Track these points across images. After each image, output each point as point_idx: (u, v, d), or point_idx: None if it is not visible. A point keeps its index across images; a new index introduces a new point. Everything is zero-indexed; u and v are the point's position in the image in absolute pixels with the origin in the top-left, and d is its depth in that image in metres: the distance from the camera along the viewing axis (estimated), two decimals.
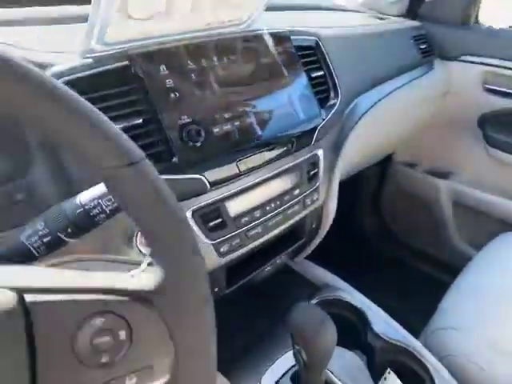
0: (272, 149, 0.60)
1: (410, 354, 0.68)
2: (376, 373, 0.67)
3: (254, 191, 0.59)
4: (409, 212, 1.36)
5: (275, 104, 0.60)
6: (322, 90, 0.71)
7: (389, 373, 0.67)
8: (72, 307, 0.25)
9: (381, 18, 1.12)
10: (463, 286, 0.84)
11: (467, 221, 1.22)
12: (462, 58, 1.11)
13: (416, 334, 0.74)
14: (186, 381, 0.29)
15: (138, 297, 0.26)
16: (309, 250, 0.82)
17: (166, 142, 0.48)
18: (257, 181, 0.59)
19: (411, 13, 1.18)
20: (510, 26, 1.14)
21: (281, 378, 0.62)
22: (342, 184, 0.79)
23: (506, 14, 1.11)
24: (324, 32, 0.76)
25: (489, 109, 1.12)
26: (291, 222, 0.66)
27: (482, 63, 1.09)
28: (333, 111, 0.71)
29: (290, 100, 0.62)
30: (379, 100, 0.87)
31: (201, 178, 0.51)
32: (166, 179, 0.27)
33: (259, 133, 0.57)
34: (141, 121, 0.47)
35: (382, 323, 0.72)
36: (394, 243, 1.39)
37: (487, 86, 1.10)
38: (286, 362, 0.64)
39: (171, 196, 0.27)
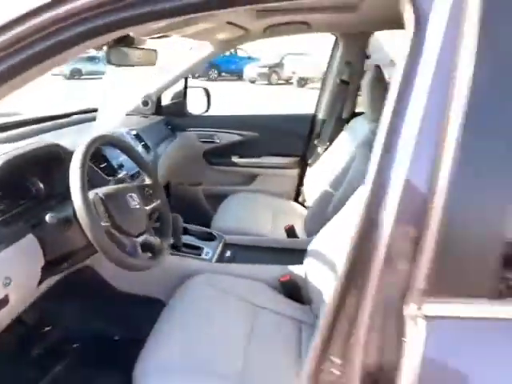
0: None
1: None
2: None
3: None
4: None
5: None
6: None
7: None
8: None
9: (145, 116, 2.14)
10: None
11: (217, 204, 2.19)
12: (187, 129, 2.35)
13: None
14: None
15: None
16: None
17: None
18: None
19: (158, 112, 2.24)
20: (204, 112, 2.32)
21: None
22: None
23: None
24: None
25: (206, 148, 2.38)
26: None
27: (195, 131, 2.36)
28: None
29: None
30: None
31: None
32: None
33: None
34: None
35: None
36: None
37: (201, 139, 2.38)
38: None
39: None
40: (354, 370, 0.58)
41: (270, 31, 1.91)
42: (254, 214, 1.97)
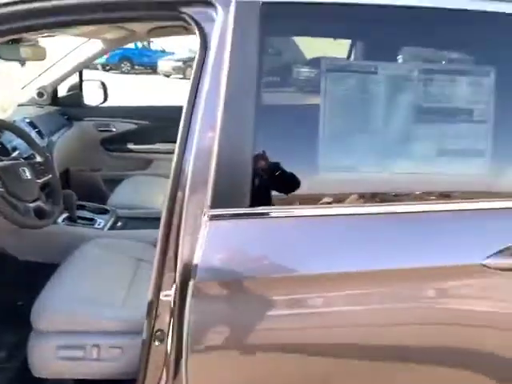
0: None
1: None
2: None
3: None
4: None
5: None
6: None
7: None
8: None
9: (41, 107, 2.31)
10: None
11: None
12: (84, 119, 2.53)
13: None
14: None
15: None
16: None
17: None
18: None
19: (54, 103, 2.40)
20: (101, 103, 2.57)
21: None
22: None
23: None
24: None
25: (103, 136, 2.60)
26: None
27: (92, 120, 2.56)
28: None
29: None
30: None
31: None
32: None
33: None
34: None
35: None
36: None
37: (98, 128, 2.57)
38: None
39: None
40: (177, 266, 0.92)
41: (155, 33, 2.19)
42: (147, 192, 2.22)
